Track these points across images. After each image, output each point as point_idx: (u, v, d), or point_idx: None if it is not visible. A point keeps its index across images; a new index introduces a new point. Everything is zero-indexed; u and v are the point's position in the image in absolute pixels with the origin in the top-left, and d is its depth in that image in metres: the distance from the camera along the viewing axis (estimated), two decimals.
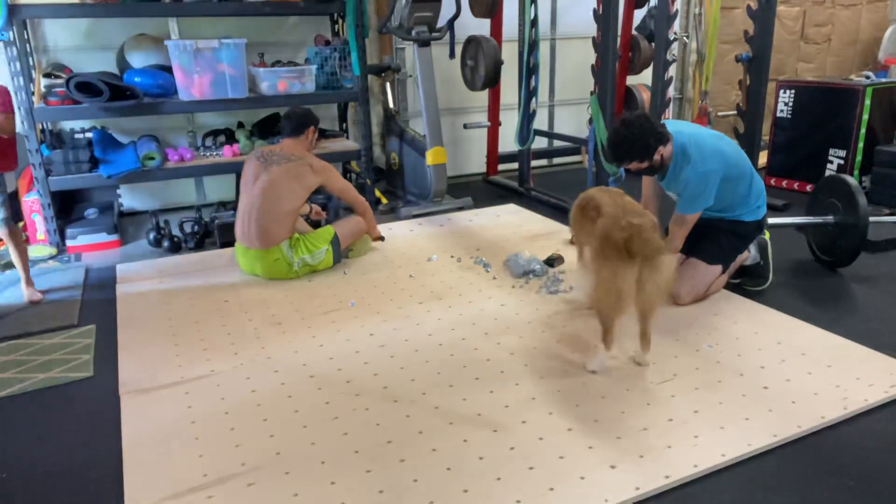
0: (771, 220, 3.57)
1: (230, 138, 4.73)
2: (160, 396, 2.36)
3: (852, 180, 3.37)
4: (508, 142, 5.34)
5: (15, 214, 3.36)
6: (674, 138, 2.88)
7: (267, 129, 4.83)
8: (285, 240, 3.35)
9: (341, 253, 3.57)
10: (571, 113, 6.26)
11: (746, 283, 3.23)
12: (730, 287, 3.18)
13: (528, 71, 4.82)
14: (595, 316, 2.45)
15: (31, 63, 4.19)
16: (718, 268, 3.02)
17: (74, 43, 4.47)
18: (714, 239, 3.04)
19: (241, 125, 4.87)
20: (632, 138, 2.77)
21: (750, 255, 3.21)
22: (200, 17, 4.59)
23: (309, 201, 3.91)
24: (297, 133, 3.48)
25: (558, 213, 4.57)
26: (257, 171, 3.38)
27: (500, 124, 5.42)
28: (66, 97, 3.89)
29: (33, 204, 3.97)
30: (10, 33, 3.71)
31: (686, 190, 2.88)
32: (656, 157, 2.83)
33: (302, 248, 3.39)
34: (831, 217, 3.40)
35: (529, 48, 4.76)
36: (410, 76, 5.41)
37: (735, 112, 4.95)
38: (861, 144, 4.76)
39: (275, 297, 3.20)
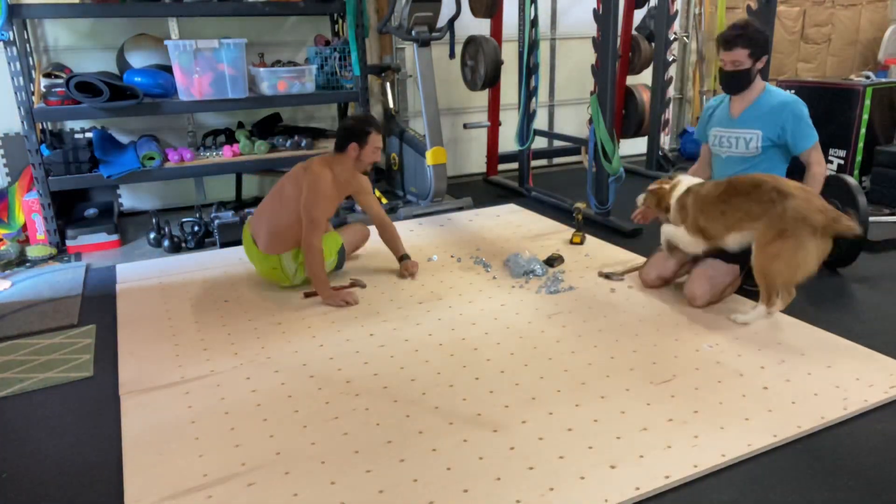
0: None
1: (230, 138, 4.73)
2: (160, 396, 2.36)
3: (852, 180, 3.37)
4: (508, 142, 5.35)
5: None
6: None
7: (267, 129, 4.84)
8: (288, 251, 3.19)
9: (344, 260, 3.48)
10: (571, 113, 6.26)
11: (749, 282, 3.22)
12: None
13: (528, 71, 4.82)
14: (762, 280, 2.73)
15: (31, 63, 4.19)
16: (736, 266, 2.96)
17: (74, 43, 4.47)
18: None
19: (241, 125, 4.87)
20: (758, 28, 2.92)
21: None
22: (200, 17, 4.59)
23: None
24: (337, 150, 3.21)
25: (558, 213, 4.58)
26: (286, 175, 3.25)
27: (500, 124, 5.43)
28: (66, 97, 3.89)
29: (33, 204, 3.97)
30: (10, 33, 3.71)
31: (795, 120, 2.92)
32: (758, 64, 2.95)
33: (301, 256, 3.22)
34: None
35: (529, 48, 4.76)
36: (410, 76, 5.42)
37: None
38: (861, 144, 4.77)
39: (275, 298, 3.20)
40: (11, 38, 3.71)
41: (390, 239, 3.50)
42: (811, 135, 2.94)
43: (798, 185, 2.71)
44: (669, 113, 6.44)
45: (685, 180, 3.05)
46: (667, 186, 3.06)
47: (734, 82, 3.01)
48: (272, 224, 3.18)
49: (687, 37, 6.57)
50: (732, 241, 2.82)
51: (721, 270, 2.96)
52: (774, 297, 2.74)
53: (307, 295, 3.19)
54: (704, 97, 6.25)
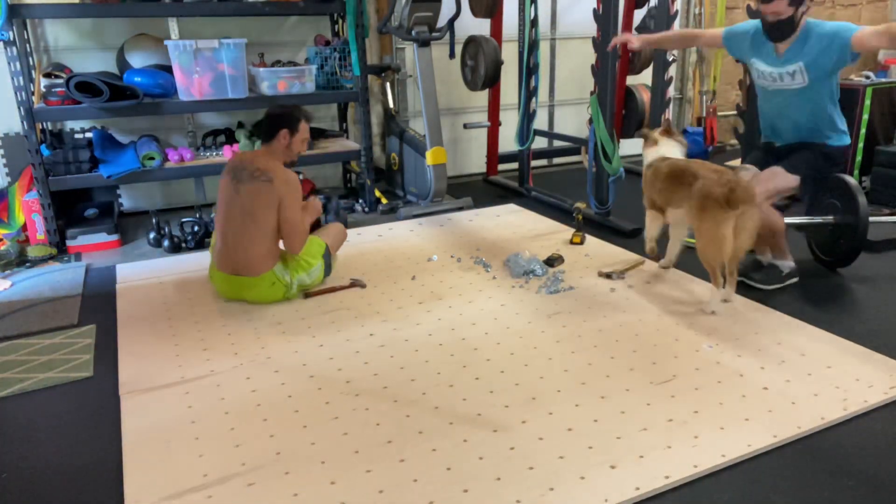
0: None
1: (230, 138, 4.73)
2: (160, 396, 2.36)
3: (852, 180, 3.36)
4: (508, 142, 5.34)
5: None
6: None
7: None
8: (278, 262, 3.08)
9: (331, 263, 3.37)
10: (571, 113, 6.26)
11: (755, 277, 3.23)
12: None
13: (528, 71, 4.82)
14: (705, 263, 2.93)
15: (31, 63, 4.19)
16: (796, 178, 3.06)
17: (74, 43, 4.47)
18: (800, 154, 3.10)
19: (241, 125, 4.87)
20: None
21: (788, 264, 3.26)
22: (200, 17, 4.59)
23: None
24: (266, 138, 3.08)
25: (558, 213, 4.58)
26: (230, 192, 3.03)
27: (500, 124, 5.42)
28: (66, 97, 3.88)
29: (33, 204, 3.97)
30: (10, 33, 3.71)
31: (842, 48, 2.84)
32: (801, 8, 2.87)
33: (297, 267, 3.14)
34: (831, 217, 3.40)
35: (529, 48, 4.76)
36: (410, 76, 5.42)
37: (735, 112, 4.95)
38: (861, 144, 4.76)
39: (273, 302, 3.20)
40: (11, 38, 3.70)
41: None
42: (850, 29, 2.85)
43: (715, 168, 2.94)
44: (669, 113, 6.43)
45: (662, 147, 3.25)
46: (654, 135, 3.32)
47: (778, 32, 2.97)
48: (258, 243, 3.00)
49: None
50: (671, 216, 3.17)
51: (779, 177, 3.06)
52: (719, 277, 2.91)
53: (307, 295, 3.19)
54: (704, 97, 6.24)
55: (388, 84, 5.14)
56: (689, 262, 3.41)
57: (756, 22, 3.14)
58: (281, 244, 3.12)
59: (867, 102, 4.68)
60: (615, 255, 3.72)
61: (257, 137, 4.63)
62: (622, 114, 5.64)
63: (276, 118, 3.06)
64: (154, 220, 4.08)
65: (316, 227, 3.59)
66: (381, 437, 2.09)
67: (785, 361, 2.50)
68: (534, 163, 5.34)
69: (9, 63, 3.73)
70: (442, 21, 4.58)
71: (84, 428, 2.22)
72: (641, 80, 5.75)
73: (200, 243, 4.07)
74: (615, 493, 1.82)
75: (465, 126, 5.20)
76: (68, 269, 3.73)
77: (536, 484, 1.85)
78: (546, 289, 3.21)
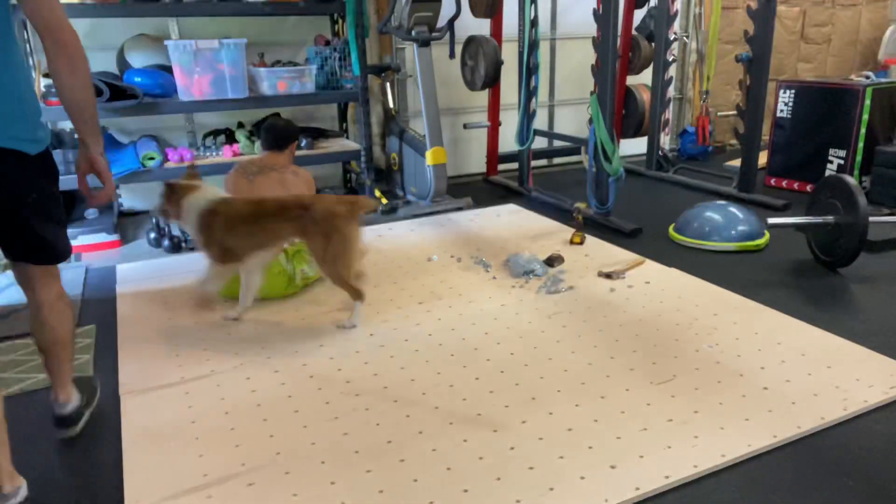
0: (771, 221, 3.57)
1: (230, 138, 4.73)
2: (160, 396, 2.36)
3: (852, 180, 3.37)
4: (508, 142, 5.35)
5: None
6: None
7: None
8: (281, 252, 3.16)
9: None
10: (571, 113, 6.26)
11: None
12: (729, 286, 3.18)
13: (528, 71, 4.82)
14: (341, 284, 2.88)
15: (31, 63, 4.19)
16: None
17: None
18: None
19: (241, 125, 4.87)
20: None
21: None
22: (200, 17, 4.59)
23: None
24: (280, 147, 3.36)
25: (558, 213, 4.58)
26: (241, 185, 3.21)
27: (500, 124, 5.43)
28: None
29: None
30: None
31: None
32: None
33: (300, 258, 3.22)
34: (831, 217, 3.40)
35: (529, 48, 4.76)
36: (410, 76, 5.42)
37: (735, 112, 4.96)
38: (861, 144, 4.76)
39: (274, 297, 3.20)
40: None
41: None
42: None
43: (313, 195, 3.12)
44: (669, 113, 6.44)
45: (208, 190, 2.95)
46: (188, 182, 3.03)
47: None
48: None
49: (687, 37, 6.56)
50: (254, 259, 2.90)
51: None
52: (360, 289, 2.89)
53: None
54: (704, 97, 6.25)
55: (388, 84, 5.14)
56: (690, 262, 3.42)
57: None
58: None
59: (867, 102, 4.68)
60: (615, 255, 3.72)
61: (259, 138, 4.61)
62: (622, 114, 5.65)
63: (288, 131, 3.42)
64: (154, 220, 4.09)
65: None
66: (381, 437, 2.09)
67: (785, 361, 2.50)
68: (534, 163, 5.34)
69: None
70: (442, 21, 4.58)
71: (84, 428, 2.22)
72: (641, 80, 5.75)
73: None
74: (615, 493, 1.82)
75: (465, 126, 5.21)
76: (68, 269, 3.73)
77: (536, 484, 1.85)
78: (546, 289, 3.21)
